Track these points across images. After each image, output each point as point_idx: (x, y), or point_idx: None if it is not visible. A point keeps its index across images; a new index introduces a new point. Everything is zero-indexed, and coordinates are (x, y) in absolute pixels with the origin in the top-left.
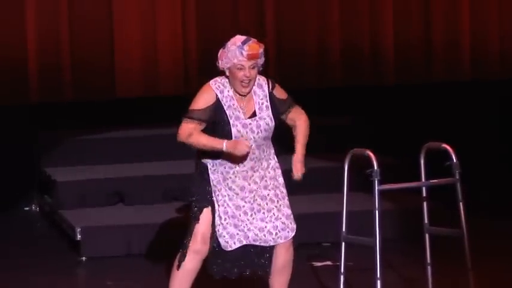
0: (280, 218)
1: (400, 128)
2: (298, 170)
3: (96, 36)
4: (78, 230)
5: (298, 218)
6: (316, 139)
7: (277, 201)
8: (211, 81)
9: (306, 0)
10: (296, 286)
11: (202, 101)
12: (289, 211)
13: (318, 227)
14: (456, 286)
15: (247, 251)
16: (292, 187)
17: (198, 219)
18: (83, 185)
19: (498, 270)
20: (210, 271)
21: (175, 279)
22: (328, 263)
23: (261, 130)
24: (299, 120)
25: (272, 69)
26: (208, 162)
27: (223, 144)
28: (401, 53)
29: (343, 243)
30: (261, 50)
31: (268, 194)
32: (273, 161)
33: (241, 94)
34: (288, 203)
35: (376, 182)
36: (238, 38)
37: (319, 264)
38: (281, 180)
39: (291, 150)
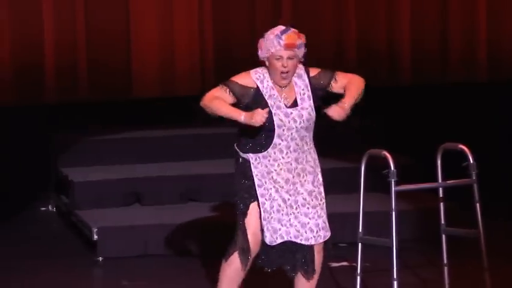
0: (322, 217)
1: (416, 129)
2: (336, 111)
3: (112, 37)
4: (95, 230)
5: None
6: (332, 140)
7: (321, 198)
8: (252, 71)
9: (323, 1)
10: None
11: (243, 79)
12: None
13: (334, 227)
14: (473, 287)
15: (291, 247)
16: None
17: (246, 215)
18: (99, 185)
19: None
20: (255, 262)
21: (225, 277)
22: (345, 263)
23: (303, 120)
24: (350, 81)
25: None
26: (251, 157)
27: (242, 115)
28: (417, 53)
29: (360, 244)
30: (300, 41)
31: (314, 190)
32: (316, 156)
33: (280, 85)
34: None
35: (392, 182)
36: (278, 28)
37: (335, 264)
38: (321, 178)
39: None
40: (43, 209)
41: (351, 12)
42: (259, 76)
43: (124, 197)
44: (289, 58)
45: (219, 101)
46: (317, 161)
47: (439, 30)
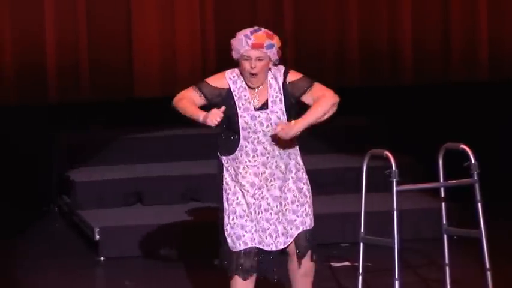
0: (283, 223)
1: (418, 128)
2: (283, 129)
3: (114, 37)
4: (97, 230)
5: (316, 218)
6: (334, 139)
7: (285, 204)
8: (228, 71)
9: (325, 1)
10: (314, 286)
11: (216, 80)
12: (293, 217)
13: (336, 227)
14: (474, 287)
15: (258, 253)
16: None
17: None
18: (101, 186)
19: None
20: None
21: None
22: (347, 263)
23: (270, 123)
24: (322, 97)
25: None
26: (223, 158)
27: (201, 116)
28: (419, 52)
29: (362, 244)
30: (270, 41)
31: (280, 196)
32: (293, 162)
33: (250, 86)
34: (297, 208)
35: (394, 182)
36: (249, 28)
37: (337, 264)
38: (300, 184)
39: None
40: (45, 208)
41: (353, 12)
42: (233, 76)
43: (126, 197)
44: (258, 59)
45: (186, 101)
46: (291, 167)
47: (441, 30)
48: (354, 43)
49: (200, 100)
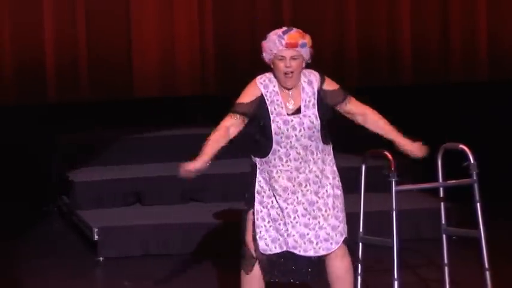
0: (325, 228)
1: (417, 128)
2: (417, 149)
3: (113, 36)
4: (96, 230)
5: None
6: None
7: (326, 210)
8: (258, 77)
9: (324, 1)
10: (312, 286)
11: (248, 95)
12: (336, 222)
13: None
14: (473, 287)
15: (291, 258)
16: None
17: (247, 220)
18: (100, 186)
19: None
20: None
21: (244, 285)
22: None
23: (303, 128)
24: (367, 113)
25: None
26: (257, 161)
27: (195, 161)
28: (418, 52)
29: (361, 244)
30: (304, 40)
31: (317, 201)
32: (328, 168)
33: (286, 88)
34: (339, 214)
35: (393, 183)
36: (281, 28)
37: None
38: (337, 191)
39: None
40: (44, 208)
41: (352, 12)
42: (264, 81)
43: (125, 197)
44: (292, 58)
45: (215, 135)
46: (328, 173)
47: (440, 30)
48: (353, 43)
49: (242, 122)
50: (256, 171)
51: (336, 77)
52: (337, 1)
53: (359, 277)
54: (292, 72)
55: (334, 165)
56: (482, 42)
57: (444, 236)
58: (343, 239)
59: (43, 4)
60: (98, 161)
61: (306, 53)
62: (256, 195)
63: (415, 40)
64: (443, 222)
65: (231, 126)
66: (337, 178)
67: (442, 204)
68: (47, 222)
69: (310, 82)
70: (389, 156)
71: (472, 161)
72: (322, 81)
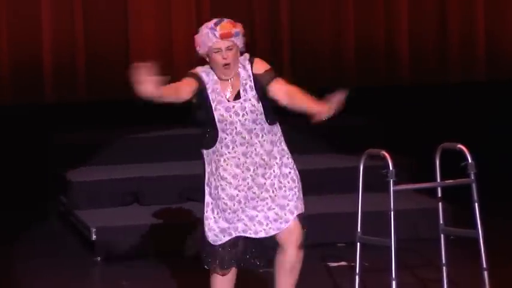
0: (274, 209)
1: (415, 128)
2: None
3: (111, 35)
4: (93, 230)
5: (313, 218)
6: (331, 139)
7: (273, 190)
8: (198, 67)
9: (322, 1)
10: (311, 286)
11: (193, 76)
12: (285, 201)
13: (332, 227)
14: (471, 287)
15: (241, 243)
16: (309, 187)
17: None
18: (98, 185)
19: None
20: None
21: (212, 285)
22: (343, 263)
23: (246, 112)
24: (293, 91)
25: (286, 69)
26: (204, 152)
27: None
28: (416, 52)
29: (358, 244)
30: (236, 29)
31: (265, 183)
32: (276, 148)
33: (224, 79)
34: (287, 193)
35: (391, 182)
36: (211, 21)
37: (334, 264)
38: (285, 170)
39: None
40: (41, 208)
41: (350, 12)
42: (205, 70)
43: (123, 196)
44: (228, 49)
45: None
46: (275, 153)
47: (438, 30)
48: (351, 43)
49: (194, 84)
50: (204, 162)
51: (333, 76)
52: (334, 1)
53: (357, 277)
54: (229, 63)
55: (283, 144)
56: (480, 42)
57: (442, 235)
58: (293, 216)
59: (41, 3)
60: (95, 161)
61: (240, 41)
62: (206, 187)
63: (412, 40)
64: (441, 222)
65: (185, 84)
66: (287, 156)
67: (440, 204)
68: (45, 222)
69: (243, 66)
70: (387, 156)
71: (470, 161)
72: (252, 63)
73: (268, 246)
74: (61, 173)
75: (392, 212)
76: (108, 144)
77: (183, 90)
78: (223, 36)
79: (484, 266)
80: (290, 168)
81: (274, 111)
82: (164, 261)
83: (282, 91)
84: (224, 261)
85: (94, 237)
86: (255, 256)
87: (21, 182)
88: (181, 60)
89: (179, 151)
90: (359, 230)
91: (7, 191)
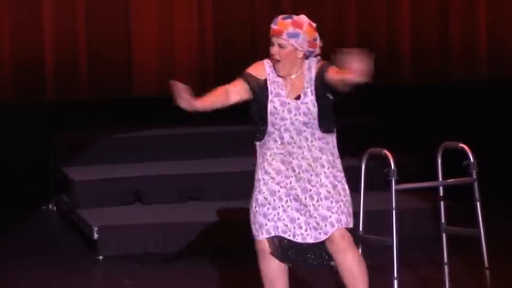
0: (315, 218)
1: (417, 127)
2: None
3: (113, 35)
4: (95, 229)
5: None
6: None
7: (317, 200)
8: (266, 59)
9: (323, 0)
10: (313, 285)
11: (254, 70)
12: (328, 213)
13: None
14: (473, 286)
15: (285, 243)
16: None
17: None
18: (100, 184)
19: None
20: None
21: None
22: None
23: (299, 113)
24: (334, 71)
25: None
26: (257, 145)
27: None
28: (418, 52)
29: (361, 243)
30: (294, 30)
31: (310, 189)
32: (325, 157)
33: (278, 74)
34: (333, 205)
35: (393, 181)
36: (282, 15)
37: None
38: (335, 182)
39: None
40: (44, 207)
41: (351, 12)
42: (269, 62)
43: (124, 195)
44: (279, 46)
45: (213, 93)
46: (323, 162)
47: (439, 29)
48: (352, 43)
49: (244, 90)
50: (256, 153)
51: None
52: (336, 1)
53: None
54: (278, 60)
55: (335, 156)
56: (482, 41)
57: (444, 235)
58: (334, 229)
59: (43, 3)
60: (97, 160)
61: (298, 43)
62: (255, 182)
63: (414, 39)
64: (443, 221)
65: (233, 90)
66: (337, 168)
67: (441, 203)
68: (47, 221)
69: (309, 68)
70: (389, 155)
71: (471, 160)
72: (321, 68)
73: (323, 250)
74: (63, 172)
75: (394, 211)
76: (110, 143)
77: (229, 95)
78: (272, 33)
79: (486, 265)
80: (338, 182)
81: (332, 120)
82: (166, 260)
83: (332, 76)
84: (286, 257)
85: (96, 236)
86: (297, 257)
87: (23, 181)
88: (182, 60)
89: (181, 150)
90: (361, 229)
91: (9, 190)
